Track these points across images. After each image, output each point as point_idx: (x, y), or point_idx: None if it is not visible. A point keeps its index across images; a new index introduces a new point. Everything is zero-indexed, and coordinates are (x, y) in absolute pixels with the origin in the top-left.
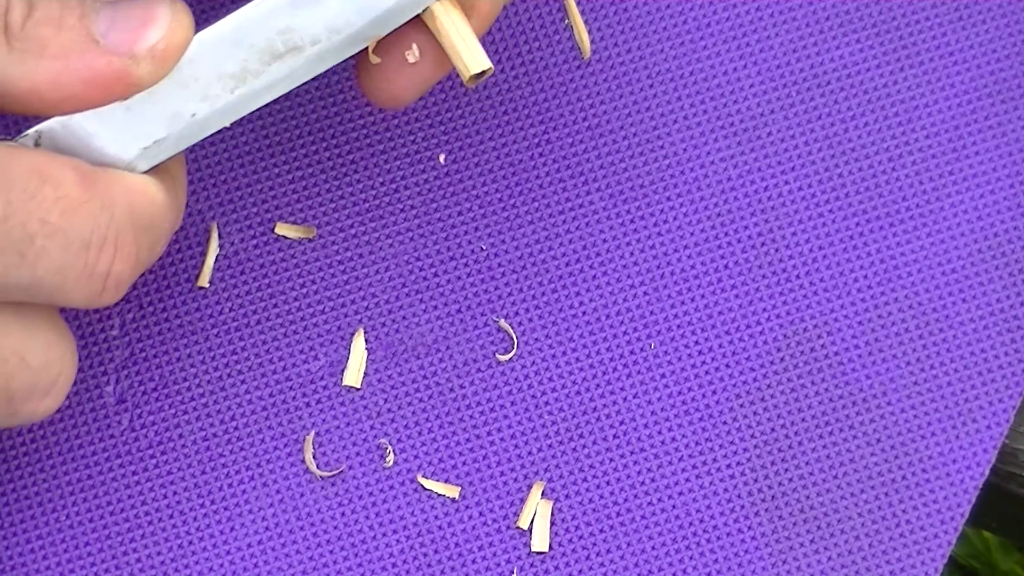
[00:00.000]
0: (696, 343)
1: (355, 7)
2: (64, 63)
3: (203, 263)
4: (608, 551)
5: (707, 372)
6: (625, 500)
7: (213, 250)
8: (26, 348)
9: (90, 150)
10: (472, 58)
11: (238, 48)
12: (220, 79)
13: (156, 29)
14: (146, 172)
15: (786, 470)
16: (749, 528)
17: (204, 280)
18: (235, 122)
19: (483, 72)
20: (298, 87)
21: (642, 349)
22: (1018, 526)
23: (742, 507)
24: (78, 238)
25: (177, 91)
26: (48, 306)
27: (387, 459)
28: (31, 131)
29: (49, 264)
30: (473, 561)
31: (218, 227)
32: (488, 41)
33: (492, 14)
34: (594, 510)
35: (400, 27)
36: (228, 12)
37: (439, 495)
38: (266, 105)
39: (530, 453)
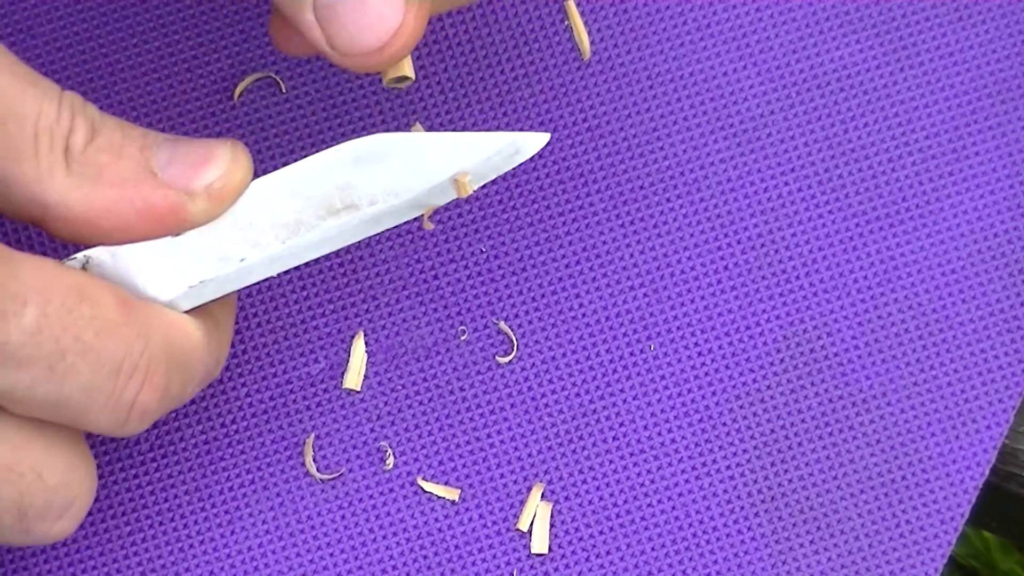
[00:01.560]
0: (696, 344)
1: (416, 173)
2: (120, 192)
3: None
4: (608, 552)
5: (707, 373)
6: (625, 501)
7: None
8: (45, 466)
9: (135, 282)
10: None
11: (295, 199)
12: (273, 227)
13: (215, 168)
14: (189, 312)
15: (786, 471)
16: (749, 529)
17: None
18: (235, 126)
19: (403, 78)
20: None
21: (642, 350)
22: (1018, 526)
23: (742, 508)
24: (109, 361)
25: (229, 234)
26: (72, 428)
27: (387, 462)
28: (80, 255)
29: (77, 382)
30: (473, 563)
31: None
32: (488, 42)
33: None
34: (594, 512)
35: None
36: (291, 162)
37: (439, 497)
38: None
39: (530, 455)
